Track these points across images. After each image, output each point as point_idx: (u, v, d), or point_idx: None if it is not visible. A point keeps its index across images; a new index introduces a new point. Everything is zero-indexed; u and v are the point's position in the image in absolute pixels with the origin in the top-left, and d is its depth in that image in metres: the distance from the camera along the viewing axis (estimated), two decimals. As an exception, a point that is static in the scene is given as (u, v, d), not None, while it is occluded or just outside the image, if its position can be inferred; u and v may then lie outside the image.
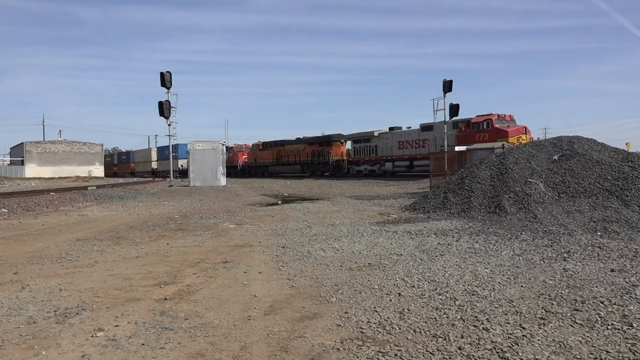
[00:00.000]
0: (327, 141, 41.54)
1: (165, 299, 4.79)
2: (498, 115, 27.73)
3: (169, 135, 26.82)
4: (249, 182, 37.02)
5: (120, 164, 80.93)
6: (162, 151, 63.37)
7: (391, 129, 35.43)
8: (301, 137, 45.90)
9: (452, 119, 27.29)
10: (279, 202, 18.81)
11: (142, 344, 3.56)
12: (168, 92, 26.35)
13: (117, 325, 3.99)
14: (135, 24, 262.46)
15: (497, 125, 27.22)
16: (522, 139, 25.24)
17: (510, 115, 28.25)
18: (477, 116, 28.76)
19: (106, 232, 9.82)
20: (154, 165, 65.88)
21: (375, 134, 36.10)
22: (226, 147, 51.01)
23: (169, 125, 26.65)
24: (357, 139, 38.46)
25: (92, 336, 3.73)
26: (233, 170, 51.96)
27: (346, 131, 43.68)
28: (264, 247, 7.78)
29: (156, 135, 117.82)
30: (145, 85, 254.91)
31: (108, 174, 75.25)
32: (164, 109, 25.95)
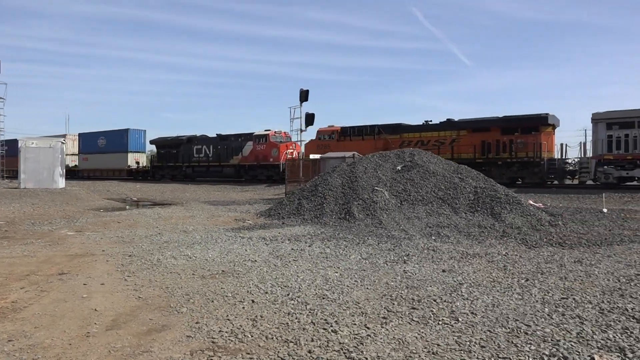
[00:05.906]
0: (532, 125, 23.63)
1: (-16, 318, 4.15)
2: None
3: (-4, 130, 23.52)
4: (106, 186, 32.05)
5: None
6: (90, 141, 44.44)
7: None
8: (445, 119, 26.47)
9: None
10: (127, 206, 17.60)
11: (-50, 374, 3.04)
12: (-5, 81, 23.10)
13: None
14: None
15: None
16: None
17: None
18: None
19: None
20: (70, 162, 44.43)
21: None
22: (256, 135, 33.77)
23: (-5, 118, 23.37)
24: (616, 119, 21.23)
25: None
26: (263, 172, 32.53)
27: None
28: (108, 256, 7.20)
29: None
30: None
31: None
32: (-10, 100, 22.69)
